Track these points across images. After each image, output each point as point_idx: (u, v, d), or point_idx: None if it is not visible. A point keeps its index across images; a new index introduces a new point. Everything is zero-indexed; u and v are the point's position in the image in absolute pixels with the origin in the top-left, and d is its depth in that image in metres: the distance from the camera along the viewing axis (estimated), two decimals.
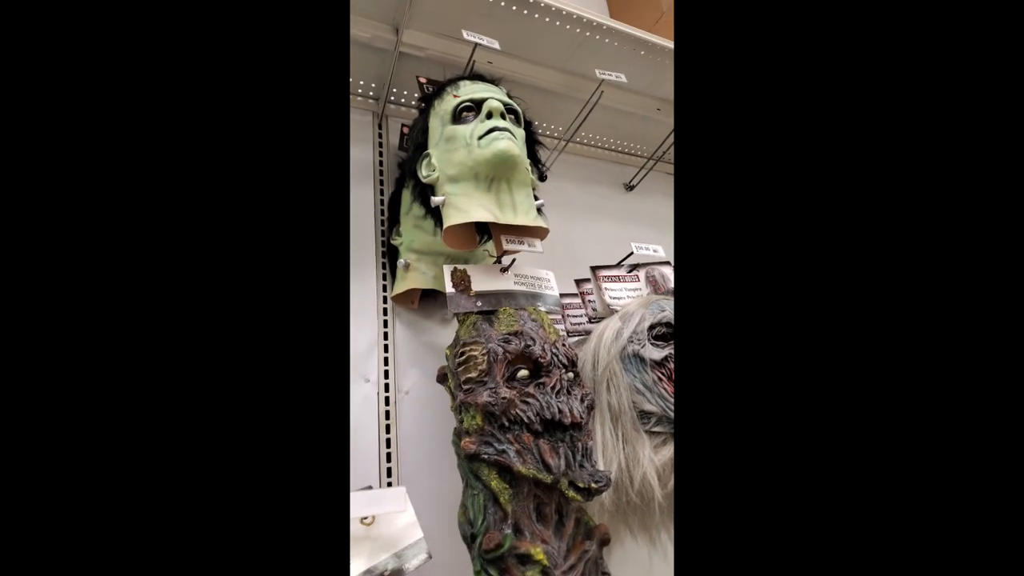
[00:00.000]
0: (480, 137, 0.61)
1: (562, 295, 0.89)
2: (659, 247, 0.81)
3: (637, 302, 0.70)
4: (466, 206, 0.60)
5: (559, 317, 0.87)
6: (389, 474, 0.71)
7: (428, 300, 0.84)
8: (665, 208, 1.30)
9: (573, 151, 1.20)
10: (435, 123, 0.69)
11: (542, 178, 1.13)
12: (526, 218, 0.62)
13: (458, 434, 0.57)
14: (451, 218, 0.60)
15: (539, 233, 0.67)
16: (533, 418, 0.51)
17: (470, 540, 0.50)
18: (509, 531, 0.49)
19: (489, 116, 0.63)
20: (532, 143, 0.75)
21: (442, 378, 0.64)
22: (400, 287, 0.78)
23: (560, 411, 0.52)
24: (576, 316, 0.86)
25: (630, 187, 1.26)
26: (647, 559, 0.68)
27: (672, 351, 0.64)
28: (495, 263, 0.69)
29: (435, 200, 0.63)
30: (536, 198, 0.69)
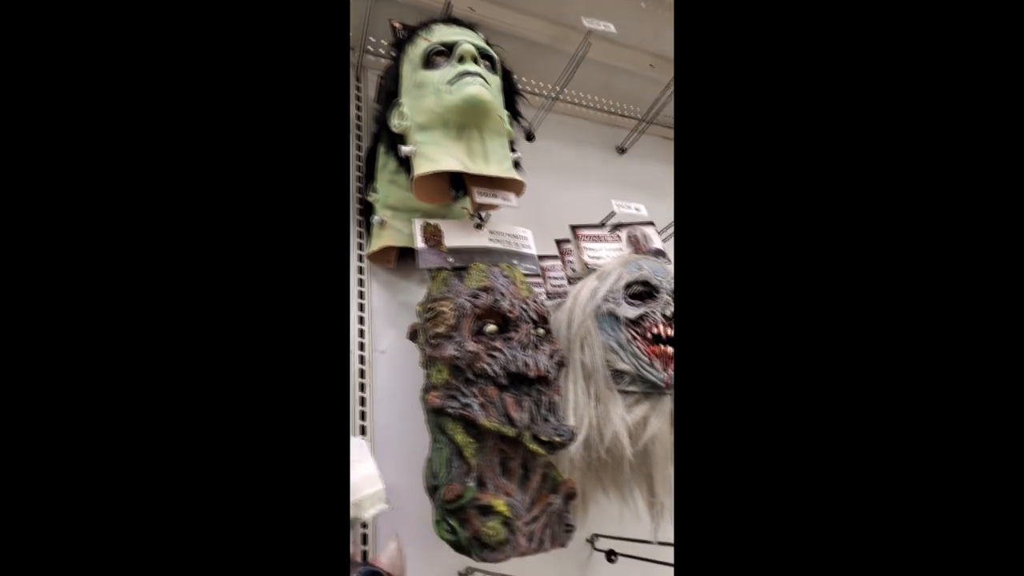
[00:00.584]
0: (450, 82, 0.58)
1: (544, 257, 0.87)
2: (641, 206, 0.78)
3: (615, 261, 0.69)
4: (435, 155, 0.57)
5: (540, 280, 0.85)
6: (363, 432, 0.71)
7: (406, 260, 0.82)
8: (660, 173, 1.26)
9: (562, 110, 1.16)
10: (407, 69, 0.65)
11: (529, 137, 1.10)
12: (499, 168, 0.59)
13: (426, 389, 0.57)
14: (419, 167, 0.58)
15: (515, 187, 0.65)
16: (499, 371, 0.51)
17: (432, 492, 0.50)
18: (472, 483, 0.49)
19: (461, 60, 0.60)
20: (511, 94, 0.72)
21: (413, 335, 0.63)
22: (375, 244, 0.76)
23: (526, 364, 0.51)
24: (557, 278, 0.84)
25: (622, 150, 1.23)
26: (618, 515, 0.68)
27: (648, 310, 0.62)
28: (474, 221, 0.67)
29: (404, 150, 0.60)
30: (513, 150, 0.67)
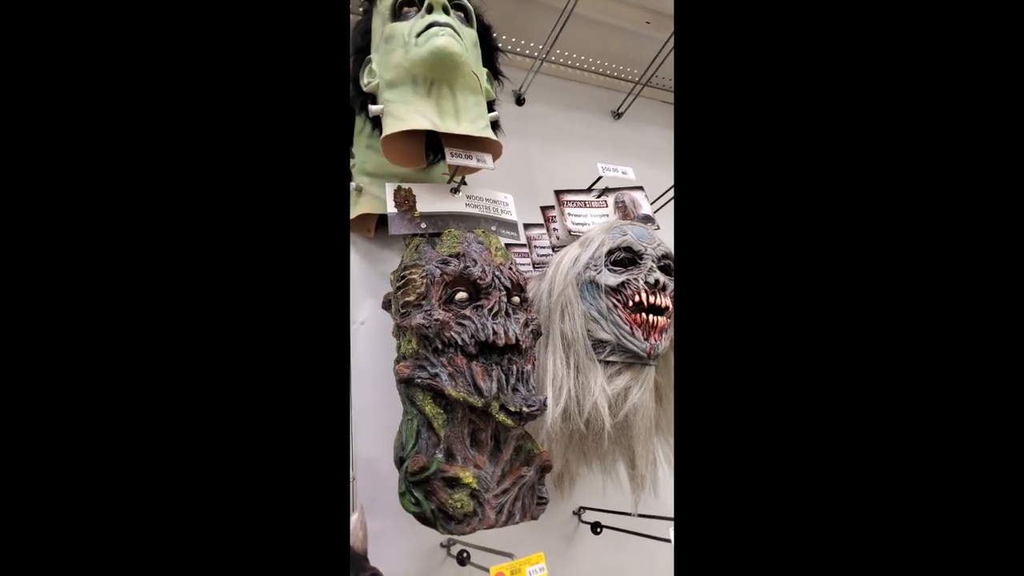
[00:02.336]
0: (418, 34, 0.54)
1: (531, 226, 0.84)
2: (629, 169, 0.74)
3: (599, 227, 0.65)
4: (403, 114, 0.54)
5: (527, 250, 0.82)
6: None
7: (386, 228, 0.79)
8: (659, 139, 1.21)
9: (554, 72, 1.11)
10: (377, 23, 0.61)
11: (519, 101, 1.05)
12: (472, 127, 0.56)
13: (396, 360, 0.55)
14: (387, 127, 0.54)
15: (492, 148, 0.61)
16: (467, 340, 0.48)
17: (399, 464, 0.49)
18: (440, 455, 0.47)
19: (430, 10, 0.56)
20: (491, 51, 0.68)
21: (387, 304, 0.61)
22: (352, 212, 0.73)
23: (495, 333, 0.48)
24: (543, 248, 0.81)
25: (618, 115, 1.17)
26: (599, 488, 0.67)
27: (630, 277, 0.59)
28: (450, 185, 0.63)
29: (373, 109, 0.57)
30: (491, 109, 0.63)
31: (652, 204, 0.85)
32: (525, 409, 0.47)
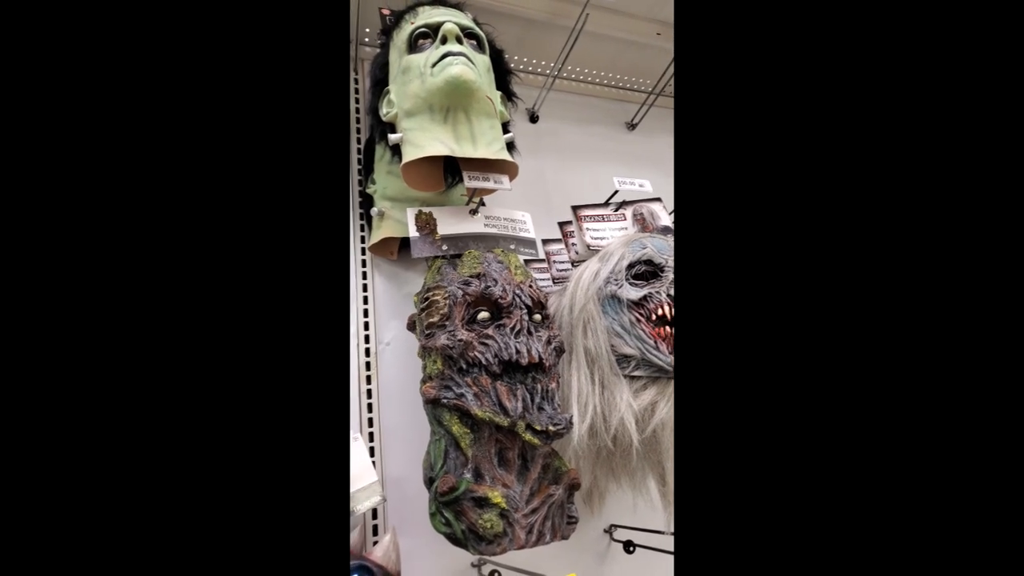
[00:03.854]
0: (434, 65, 0.56)
1: (550, 241, 0.85)
2: (646, 181, 0.74)
3: (618, 241, 0.65)
4: (422, 141, 0.56)
5: (545, 265, 0.83)
6: (371, 424, 0.71)
7: (408, 251, 0.81)
8: (672, 148, 1.21)
9: (566, 88, 1.12)
10: (394, 56, 0.64)
11: (532, 119, 1.07)
12: (488, 151, 0.57)
13: (423, 381, 0.55)
14: (407, 155, 0.56)
15: (509, 169, 0.62)
16: (491, 360, 0.49)
17: (428, 484, 0.49)
18: (468, 475, 0.48)
19: (444, 41, 0.58)
20: (503, 73, 0.69)
21: (411, 326, 0.62)
22: (375, 236, 0.75)
23: (518, 351, 0.49)
24: (562, 262, 0.82)
25: (632, 126, 1.18)
26: (631, 504, 0.66)
27: (652, 290, 0.59)
28: (469, 207, 0.65)
29: (393, 138, 0.59)
30: (506, 131, 0.64)
31: (671, 215, 0.84)
32: (551, 428, 0.47)
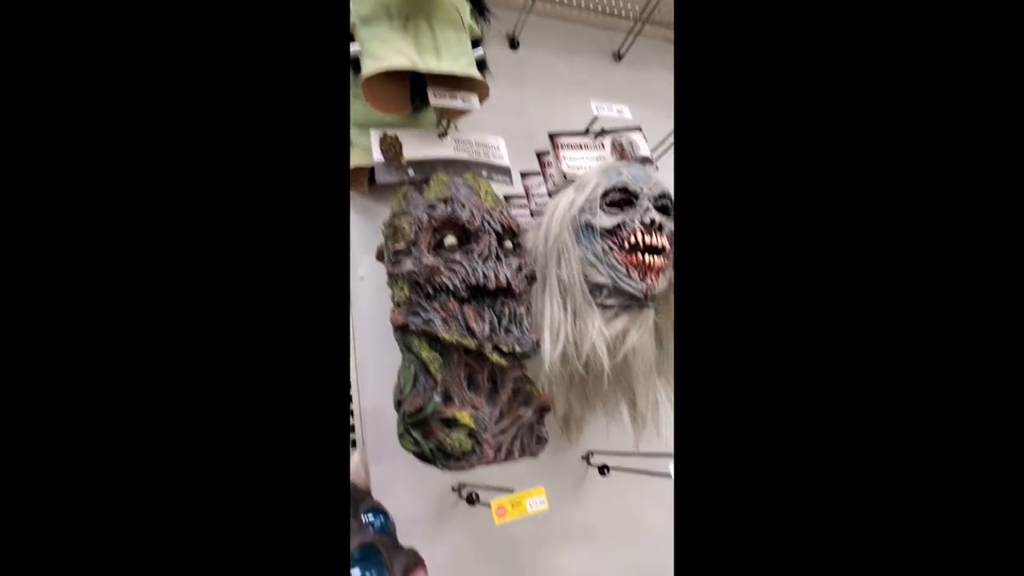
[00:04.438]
0: None
1: (528, 174, 0.82)
2: (625, 107, 0.71)
3: (595, 170, 0.63)
4: (381, 52, 0.52)
5: (524, 200, 0.80)
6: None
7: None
8: (663, 82, 1.15)
9: (550, 12, 1.05)
10: None
11: (513, 45, 1.00)
12: (454, 64, 0.53)
13: (392, 308, 0.55)
14: (366, 67, 0.52)
15: (478, 89, 0.59)
16: (459, 284, 0.48)
17: (397, 407, 0.49)
18: (437, 398, 0.48)
19: None
20: None
21: (380, 255, 0.60)
22: None
23: (486, 276, 0.48)
24: (542, 196, 0.79)
25: (619, 57, 1.11)
26: (604, 429, 0.68)
27: (626, 218, 0.58)
28: (437, 129, 0.61)
29: (351, 50, 0.54)
30: (477, 46, 0.60)
31: (654, 150, 0.81)
32: (517, 348, 0.47)
